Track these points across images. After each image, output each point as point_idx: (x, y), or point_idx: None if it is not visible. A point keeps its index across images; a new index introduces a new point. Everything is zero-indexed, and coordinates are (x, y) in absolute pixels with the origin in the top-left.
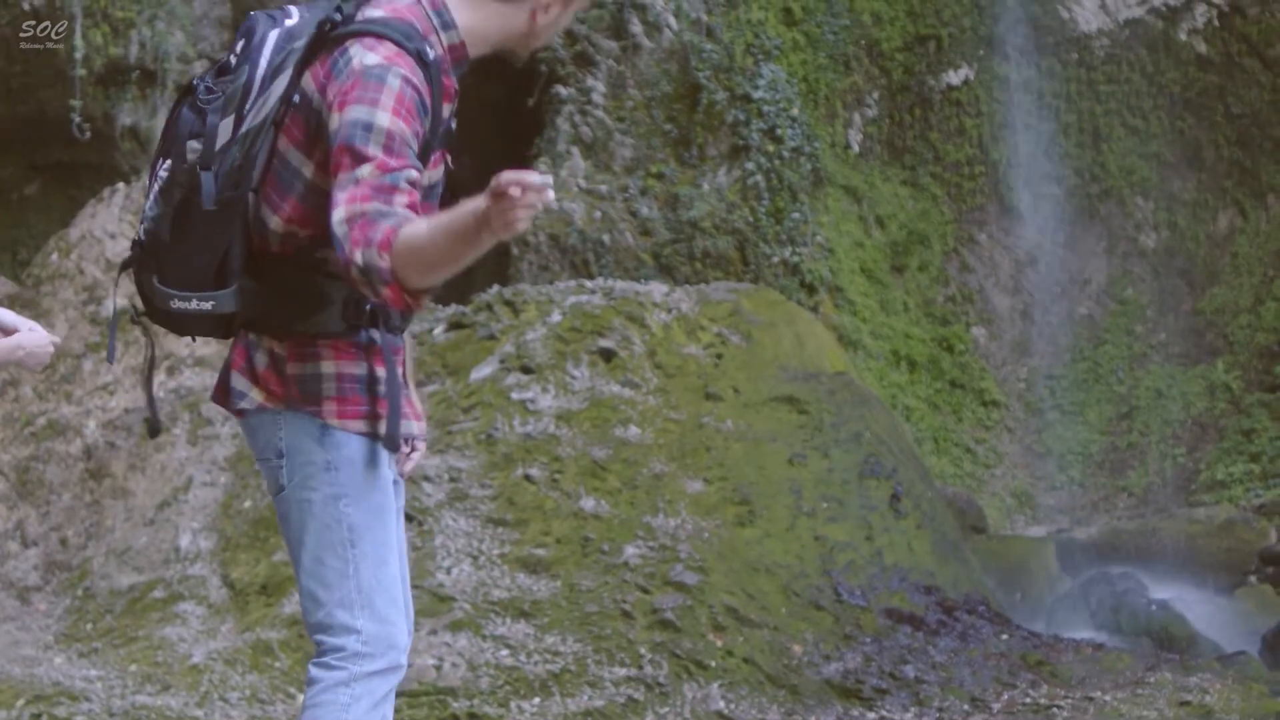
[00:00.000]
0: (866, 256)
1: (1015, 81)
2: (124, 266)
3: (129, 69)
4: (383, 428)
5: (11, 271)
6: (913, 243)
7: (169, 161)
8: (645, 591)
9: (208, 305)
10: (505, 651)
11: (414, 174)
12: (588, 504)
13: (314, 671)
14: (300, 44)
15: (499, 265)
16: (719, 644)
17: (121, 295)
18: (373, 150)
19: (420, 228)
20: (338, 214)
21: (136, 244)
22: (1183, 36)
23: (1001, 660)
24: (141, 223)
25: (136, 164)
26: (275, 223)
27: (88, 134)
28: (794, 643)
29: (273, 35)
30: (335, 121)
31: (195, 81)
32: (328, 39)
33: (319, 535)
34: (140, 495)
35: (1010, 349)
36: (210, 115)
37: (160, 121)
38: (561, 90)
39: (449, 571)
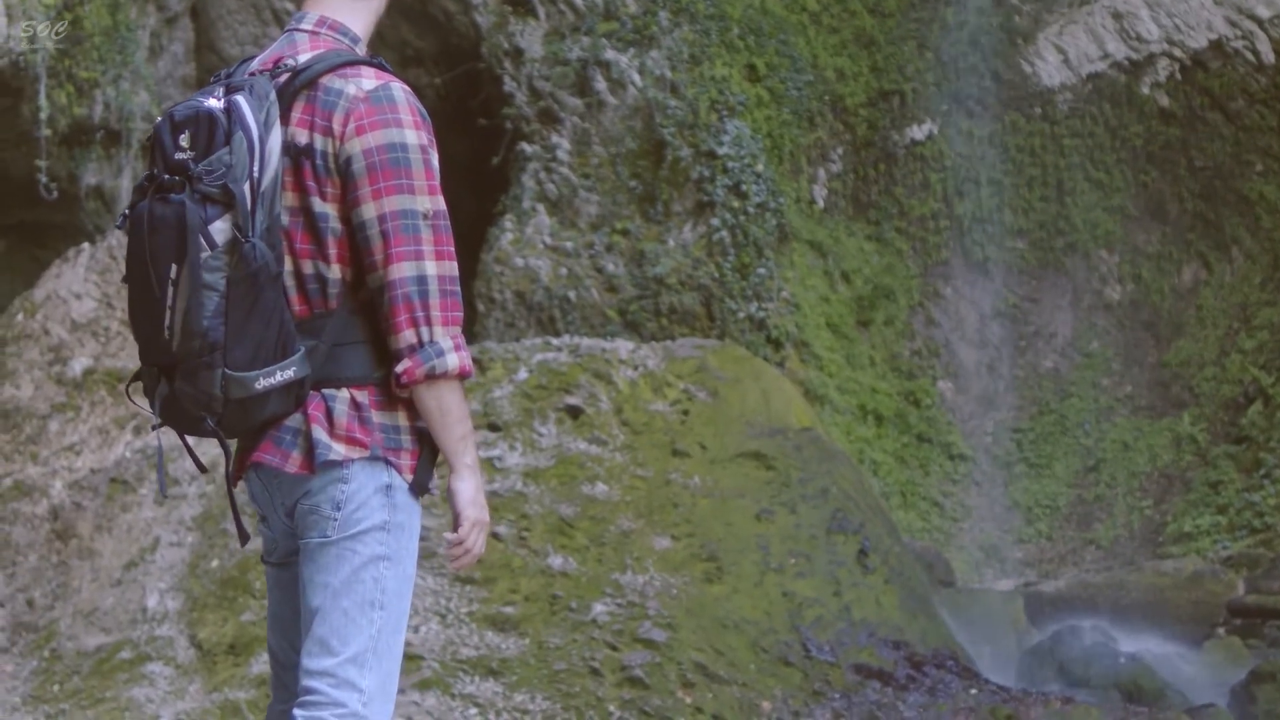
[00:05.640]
0: (832, 311)
1: (979, 136)
2: (159, 398)
3: (94, 129)
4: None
5: None
6: (878, 297)
7: (186, 258)
8: (614, 649)
9: (290, 372)
10: (474, 710)
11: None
12: (556, 561)
13: (300, 715)
14: (272, 99)
15: (464, 323)
16: (688, 701)
17: (87, 356)
18: (415, 171)
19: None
20: (415, 267)
21: (163, 366)
22: (1145, 90)
23: (971, 715)
24: (168, 335)
25: (101, 223)
26: (334, 273)
27: (55, 194)
28: (763, 699)
29: (242, 101)
30: (356, 145)
31: (167, 178)
32: (294, 92)
33: (352, 589)
34: (107, 556)
35: (976, 402)
36: (231, 185)
37: (126, 181)
38: (527, 148)
39: (417, 630)
